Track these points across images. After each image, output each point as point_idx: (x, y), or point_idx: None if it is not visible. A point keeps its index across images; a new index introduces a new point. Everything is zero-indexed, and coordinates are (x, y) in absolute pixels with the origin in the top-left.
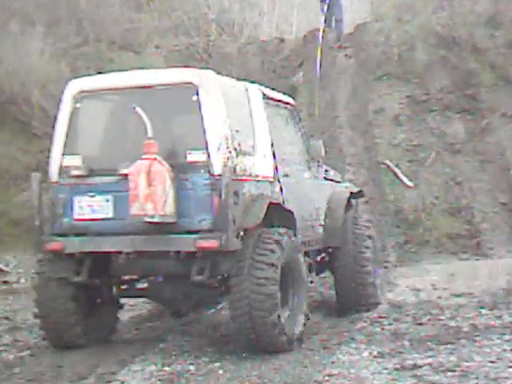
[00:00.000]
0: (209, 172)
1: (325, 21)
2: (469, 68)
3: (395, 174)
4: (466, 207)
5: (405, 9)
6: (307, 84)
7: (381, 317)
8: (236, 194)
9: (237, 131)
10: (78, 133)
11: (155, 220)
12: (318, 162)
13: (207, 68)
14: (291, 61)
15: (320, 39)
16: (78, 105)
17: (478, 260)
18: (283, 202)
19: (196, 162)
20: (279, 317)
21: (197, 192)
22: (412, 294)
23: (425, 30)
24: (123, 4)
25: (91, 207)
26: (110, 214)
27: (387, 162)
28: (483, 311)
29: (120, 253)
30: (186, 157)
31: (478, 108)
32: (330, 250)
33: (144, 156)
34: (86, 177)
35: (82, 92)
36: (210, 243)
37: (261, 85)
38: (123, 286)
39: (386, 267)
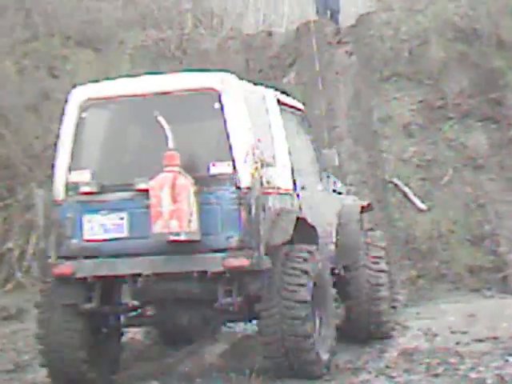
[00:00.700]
0: (235, 185)
1: (317, 11)
2: (493, 67)
3: (405, 195)
4: (490, 234)
5: None
6: (300, 86)
7: (388, 367)
8: (263, 208)
9: (259, 141)
10: (86, 145)
11: (181, 238)
12: (328, 172)
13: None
14: (281, 59)
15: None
16: (84, 114)
17: (504, 298)
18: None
19: (220, 175)
20: (314, 341)
21: (222, 207)
22: (426, 338)
23: (440, 22)
24: None
25: (103, 226)
26: (125, 234)
27: (395, 180)
28: (511, 359)
29: (138, 276)
30: (209, 169)
31: (503, 115)
32: (338, 270)
33: (166, 169)
34: (97, 193)
35: (89, 100)
36: (241, 262)
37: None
38: (132, 314)
39: (394, 307)
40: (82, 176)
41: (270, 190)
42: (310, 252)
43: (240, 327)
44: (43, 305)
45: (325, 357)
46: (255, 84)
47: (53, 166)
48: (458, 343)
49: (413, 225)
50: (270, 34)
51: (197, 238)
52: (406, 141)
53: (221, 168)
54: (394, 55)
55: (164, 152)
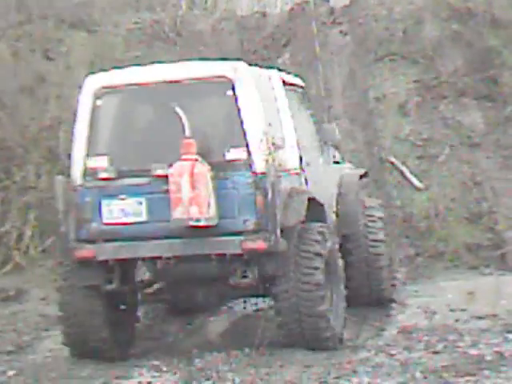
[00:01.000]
0: (251, 170)
1: None
2: (488, 45)
3: (402, 174)
4: (488, 212)
5: None
6: (295, 67)
7: (388, 344)
8: (278, 191)
9: (270, 124)
10: (102, 132)
11: (201, 224)
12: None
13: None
14: (275, 39)
15: None
16: (99, 102)
17: (502, 275)
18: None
19: (236, 160)
20: (329, 319)
21: (239, 191)
22: (425, 316)
23: (435, 1)
24: None
25: (122, 211)
26: (144, 217)
27: (392, 159)
28: (510, 336)
29: (159, 258)
30: (224, 155)
31: (499, 93)
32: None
33: (184, 156)
34: (115, 179)
35: (104, 88)
36: (258, 244)
37: (272, 67)
38: (148, 291)
39: (393, 285)
40: (100, 162)
41: (281, 173)
42: (321, 233)
43: (240, 306)
44: (64, 287)
45: (338, 330)
46: (256, 65)
47: (69, 155)
48: (457, 320)
49: (410, 203)
50: (264, 15)
51: (215, 222)
52: (401, 120)
53: (236, 154)
54: (389, 35)
55: (180, 139)
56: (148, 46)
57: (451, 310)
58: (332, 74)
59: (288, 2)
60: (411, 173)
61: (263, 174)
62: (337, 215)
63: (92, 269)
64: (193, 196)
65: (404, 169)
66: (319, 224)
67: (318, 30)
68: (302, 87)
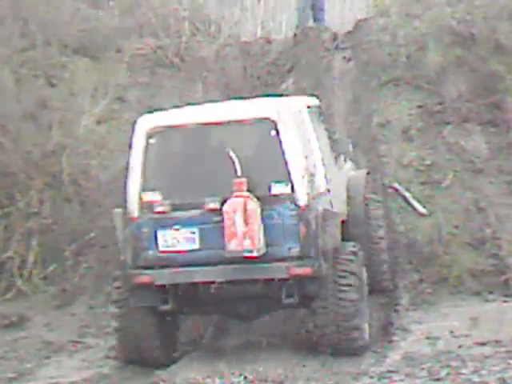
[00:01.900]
0: (294, 203)
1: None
2: (491, 71)
3: (405, 200)
4: (491, 238)
5: (414, 1)
6: (298, 92)
7: (390, 371)
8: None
9: (307, 157)
10: (155, 168)
11: (254, 254)
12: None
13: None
14: (279, 65)
15: None
16: (151, 140)
17: (506, 301)
18: (332, 206)
19: (280, 195)
20: (360, 322)
21: (284, 222)
22: (428, 342)
23: (438, 27)
24: (77, 0)
25: (177, 240)
26: (197, 246)
27: (396, 185)
28: None
29: (212, 283)
30: (270, 189)
31: (502, 119)
32: None
33: (236, 194)
34: (169, 211)
35: (156, 128)
36: (304, 270)
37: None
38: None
39: (396, 311)
40: (154, 196)
41: (315, 197)
42: (354, 252)
43: None
44: (120, 303)
45: (367, 338)
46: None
47: (125, 187)
48: (460, 347)
49: (414, 229)
50: (268, 40)
51: (264, 252)
52: (405, 145)
53: (281, 188)
54: (392, 60)
55: (231, 177)
56: (151, 72)
57: (454, 337)
58: (335, 99)
59: (292, 28)
60: (415, 198)
61: (306, 206)
62: (347, 216)
63: (149, 291)
64: (246, 230)
65: (407, 194)
66: (351, 243)
67: (322, 56)
68: (318, 106)
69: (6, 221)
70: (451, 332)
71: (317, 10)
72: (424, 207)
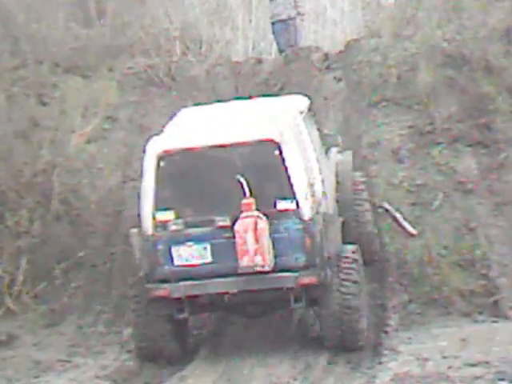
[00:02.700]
0: (299, 218)
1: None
2: (481, 92)
3: (396, 220)
4: (481, 259)
5: (404, 22)
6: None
7: None
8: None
9: (307, 171)
10: (166, 189)
11: (265, 269)
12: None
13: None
14: (270, 85)
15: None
16: (162, 163)
17: (495, 322)
18: (329, 208)
19: (286, 210)
20: (364, 325)
21: (290, 235)
22: (417, 363)
23: (429, 47)
24: (68, 19)
25: (190, 255)
26: (209, 260)
27: (386, 205)
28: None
29: (225, 293)
30: (275, 205)
31: (493, 140)
32: None
33: (246, 214)
34: (182, 229)
35: (165, 151)
36: (311, 280)
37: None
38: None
39: (385, 332)
40: (167, 215)
41: (316, 208)
42: (355, 260)
43: None
44: (138, 311)
45: (365, 333)
46: None
47: (138, 206)
48: (449, 368)
49: (403, 250)
50: (259, 60)
51: (272, 265)
52: (395, 166)
53: (286, 204)
54: (383, 81)
55: (238, 195)
56: (142, 91)
57: (444, 357)
58: (325, 119)
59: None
60: (405, 219)
61: (310, 219)
62: (337, 201)
63: (166, 302)
64: (257, 248)
65: (397, 215)
66: (352, 248)
67: (312, 76)
68: (310, 105)
69: None
70: (441, 353)
71: (292, 36)
72: (414, 227)
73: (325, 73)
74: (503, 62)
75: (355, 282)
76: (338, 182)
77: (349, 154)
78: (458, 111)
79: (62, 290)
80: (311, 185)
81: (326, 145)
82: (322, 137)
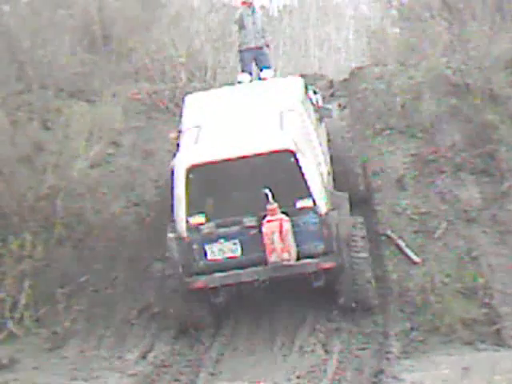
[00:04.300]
0: (316, 213)
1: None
2: (485, 121)
3: (399, 248)
4: (484, 287)
5: (409, 51)
6: None
7: None
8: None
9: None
10: (196, 197)
11: (291, 263)
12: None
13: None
14: None
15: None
16: (191, 176)
17: (497, 351)
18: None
19: (305, 208)
20: (373, 293)
21: (308, 228)
22: None
23: (433, 76)
24: (74, 44)
25: (222, 250)
26: (239, 254)
27: (389, 233)
28: None
29: (256, 280)
30: (295, 205)
31: (496, 169)
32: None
33: (271, 217)
34: (214, 230)
35: (193, 165)
36: (330, 265)
37: None
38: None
39: (388, 359)
40: (199, 219)
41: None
42: (363, 238)
43: None
44: (176, 298)
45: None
46: None
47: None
48: None
49: (406, 277)
50: None
51: (296, 257)
52: (399, 194)
53: (304, 203)
54: (387, 109)
55: (260, 197)
56: (147, 117)
57: None
58: None
59: (287, 74)
60: (408, 247)
61: (325, 213)
62: (331, 158)
63: (203, 291)
64: (283, 246)
65: (401, 242)
66: (359, 225)
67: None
68: (305, 86)
69: None
70: (443, 381)
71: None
72: (417, 255)
73: (330, 100)
74: (507, 92)
75: (364, 258)
76: (329, 141)
77: (338, 119)
78: (461, 140)
79: (64, 314)
80: (323, 182)
81: (321, 115)
82: (318, 111)
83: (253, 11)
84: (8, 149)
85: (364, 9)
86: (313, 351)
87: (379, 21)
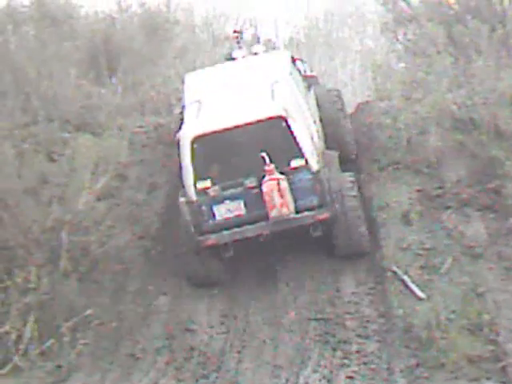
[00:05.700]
0: (309, 171)
1: None
2: (491, 156)
3: (404, 283)
4: (489, 324)
5: (415, 86)
6: None
7: None
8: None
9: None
10: (202, 164)
11: (290, 217)
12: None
13: None
14: None
15: None
16: (195, 146)
17: None
18: (322, 139)
19: (298, 167)
20: (366, 238)
21: (303, 185)
22: None
23: (439, 111)
24: (80, 76)
25: (228, 210)
26: (243, 212)
27: (394, 268)
28: None
29: (261, 234)
30: (289, 164)
31: (502, 205)
32: None
33: (269, 177)
34: (219, 192)
35: (196, 136)
36: (325, 216)
37: None
38: None
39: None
40: (205, 183)
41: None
42: (352, 182)
43: None
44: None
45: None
46: None
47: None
48: None
49: (411, 313)
50: None
51: (294, 211)
52: (404, 229)
53: (297, 162)
54: (392, 144)
55: (258, 161)
56: (152, 150)
57: None
58: None
59: None
60: (413, 282)
61: (317, 171)
62: (320, 120)
63: (214, 247)
64: (282, 202)
65: (406, 278)
66: (350, 179)
67: None
68: (292, 58)
69: (3, 295)
70: None
71: None
72: (422, 291)
73: None
74: None
75: (355, 208)
76: (318, 106)
77: (324, 85)
78: (467, 175)
79: (69, 348)
80: (314, 143)
81: (309, 83)
82: (305, 79)
83: (238, 42)
84: (14, 181)
85: (370, 43)
86: (319, 380)
87: (385, 55)
